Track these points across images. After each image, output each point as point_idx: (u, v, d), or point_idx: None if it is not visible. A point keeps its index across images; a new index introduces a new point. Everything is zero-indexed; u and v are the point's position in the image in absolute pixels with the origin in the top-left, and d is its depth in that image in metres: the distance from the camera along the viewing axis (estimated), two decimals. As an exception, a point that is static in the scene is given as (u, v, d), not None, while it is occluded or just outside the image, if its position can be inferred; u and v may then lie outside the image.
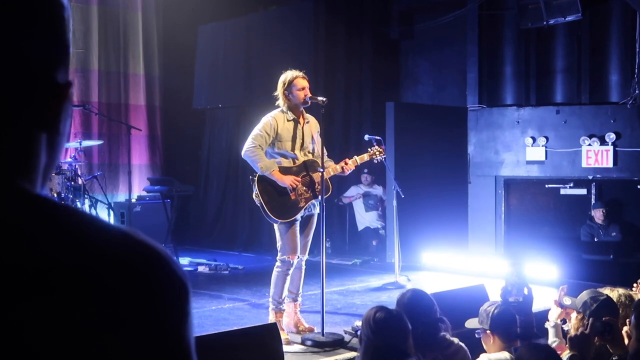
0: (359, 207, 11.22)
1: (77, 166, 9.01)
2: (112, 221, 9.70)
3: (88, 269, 0.79)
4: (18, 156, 0.86)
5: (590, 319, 3.67)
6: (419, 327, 3.72)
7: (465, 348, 3.94)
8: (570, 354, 3.52)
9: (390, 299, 7.14)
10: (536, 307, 6.05)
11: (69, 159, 8.93)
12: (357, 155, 6.10)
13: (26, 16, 0.85)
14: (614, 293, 4.27)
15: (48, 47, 0.88)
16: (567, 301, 4.21)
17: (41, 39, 0.87)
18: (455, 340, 3.94)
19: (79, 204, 8.76)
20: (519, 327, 3.58)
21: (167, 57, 11.97)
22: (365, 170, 10.84)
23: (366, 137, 7.60)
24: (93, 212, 9.12)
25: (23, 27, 0.85)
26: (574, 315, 4.15)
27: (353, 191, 11.21)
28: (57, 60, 0.90)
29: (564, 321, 4.33)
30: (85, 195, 8.98)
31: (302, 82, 5.67)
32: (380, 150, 6.33)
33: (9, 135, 0.85)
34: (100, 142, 10.20)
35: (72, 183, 8.71)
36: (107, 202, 9.53)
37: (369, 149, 6.28)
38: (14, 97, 0.85)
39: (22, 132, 0.86)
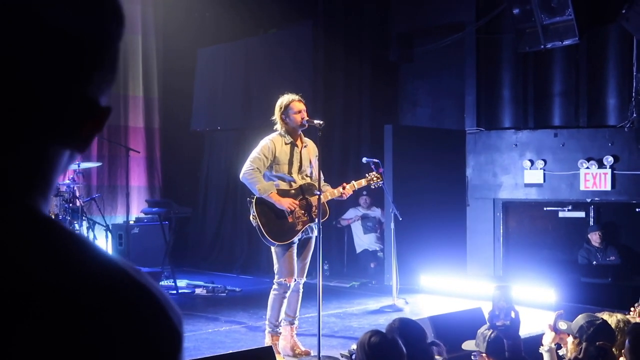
0: (357, 229, 11.22)
1: (75, 188, 9.02)
2: (110, 243, 9.70)
3: (84, 299, 0.77)
4: (37, 171, 0.84)
5: (584, 344, 3.66)
6: (413, 353, 3.71)
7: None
8: (565, 379, 3.50)
9: (387, 322, 7.11)
10: (533, 330, 6.04)
11: (67, 181, 8.95)
12: (355, 180, 6.12)
13: (86, 37, 0.84)
14: (612, 318, 4.26)
15: (102, 70, 0.87)
16: (563, 326, 4.19)
17: (96, 60, 0.86)
18: (449, 365, 3.92)
19: (76, 226, 8.76)
20: (507, 351, 3.57)
21: (167, 80, 12.03)
22: (365, 193, 10.85)
23: (364, 159, 7.63)
24: (91, 234, 9.12)
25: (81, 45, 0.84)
26: (569, 340, 4.13)
27: (351, 213, 11.21)
28: (104, 82, 0.88)
29: (558, 346, 4.32)
30: (83, 217, 8.98)
31: (299, 106, 5.71)
32: (378, 175, 6.33)
33: (34, 149, 0.83)
34: (99, 164, 10.22)
35: (70, 205, 8.72)
36: (105, 224, 9.53)
37: (367, 174, 6.29)
38: (49, 111, 0.83)
39: (48, 147, 0.84)
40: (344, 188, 5.93)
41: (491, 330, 4.04)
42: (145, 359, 0.79)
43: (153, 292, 0.82)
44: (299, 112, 5.69)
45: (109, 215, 10.76)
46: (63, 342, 0.74)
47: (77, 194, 9.11)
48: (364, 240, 11.17)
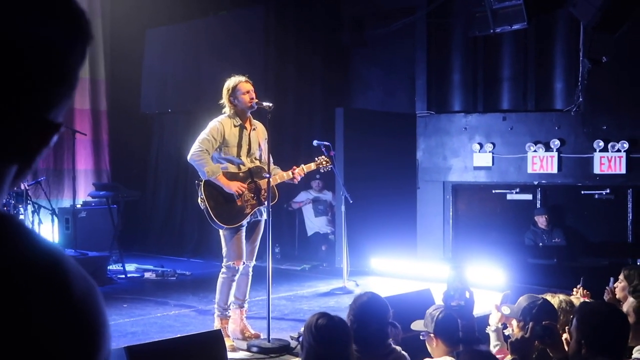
0: (308, 212, 11.22)
1: (20, 171, 8.80)
2: (56, 227, 9.51)
3: (15, 283, 0.77)
4: None
5: (530, 323, 3.71)
6: (367, 332, 3.72)
7: (407, 357, 3.94)
8: (511, 358, 3.55)
9: (338, 305, 7.14)
10: (481, 311, 6.12)
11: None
12: (305, 164, 6.09)
13: (37, 51, 0.81)
14: (555, 299, 4.34)
15: (52, 85, 0.84)
16: (506, 311, 4.25)
17: (44, 76, 0.83)
18: (398, 348, 3.94)
19: (21, 210, 8.56)
20: (461, 331, 3.60)
21: (114, 62, 11.80)
22: (318, 177, 10.85)
23: (315, 142, 7.61)
24: (36, 218, 8.92)
25: (26, 62, 0.81)
26: (514, 322, 4.19)
27: (303, 196, 11.20)
28: (56, 98, 0.86)
29: (504, 325, 4.38)
30: (28, 201, 8.78)
31: (246, 86, 5.65)
32: (327, 160, 6.30)
33: None
34: (44, 146, 9.98)
35: (15, 188, 8.50)
36: (50, 208, 9.33)
37: (316, 158, 6.27)
38: None
39: None
40: (293, 172, 5.90)
41: (439, 311, 4.07)
42: (64, 338, 0.79)
43: (80, 280, 0.83)
44: (247, 92, 5.63)
45: (55, 198, 10.54)
46: None
47: (22, 177, 8.89)
48: (315, 223, 11.18)
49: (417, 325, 4.24)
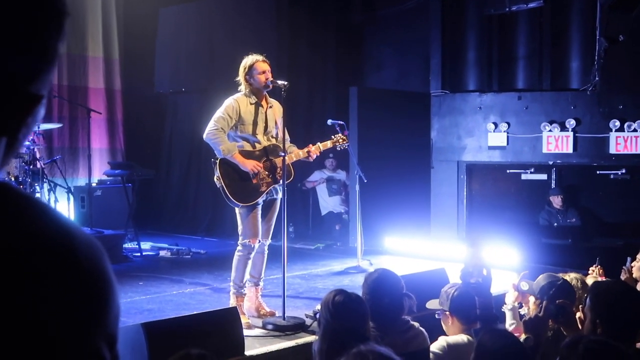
0: (322, 191, 11.23)
1: (35, 150, 8.84)
2: (72, 205, 9.58)
3: (25, 254, 0.81)
4: None
5: (544, 302, 3.71)
6: (382, 307, 3.74)
7: (425, 333, 3.97)
8: (525, 337, 3.56)
9: (352, 283, 7.17)
10: (496, 290, 6.13)
11: (27, 142, 8.77)
12: (320, 142, 6.08)
13: (8, 24, 0.83)
14: (567, 277, 4.34)
15: (27, 57, 0.87)
16: (525, 286, 4.25)
17: (22, 49, 0.86)
18: (416, 324, 3.96)
19: (37, 188, 8.61)
20: (478, 308, 3.61)
21: (128, 41, 11.80)
22: (331, 155, 10.85)
23: (329, 122, 7.61)
24: (52, 196, 8.98)
25: (1, 36, 0.83)
26: (531, 299, 4.20)
27: (316, 176, 11.21)
28: (34, 71, 0.89)
29: (520, 304, 4.39)
30: (44, 179, 8.82)
31: (263, 66, 5.65)
32: (343, 137, 6.31)
33: None
34: (59, 125, 10.03)
35: (31, 167, 8.55)
36: (66, 186, 9.38)
37: (332, 136, 6.27)
38: None
39: None
40: (309, 150, 5.91)
41: (454, 289, 4.09)
42: (77, 313, 0.83)
43: (93, 246, 0.89)
44: (263, 72, 5.63)
45: (70, 177, 10.59)
46: (11, 295, 0.79)
47: (38, 156, 8.94)
48: (329, 203, 11.19)
49: (432, 304, 4.26)
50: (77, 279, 0.84)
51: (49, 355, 0.80)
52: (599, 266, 5.06)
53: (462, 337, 3.95)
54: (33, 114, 0.90)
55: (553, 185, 9.89)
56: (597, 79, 9.35)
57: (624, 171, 9.46)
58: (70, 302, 0.82)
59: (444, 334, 4.12)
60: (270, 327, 5.48)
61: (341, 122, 7.26)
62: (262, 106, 5.75)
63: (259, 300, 5.90)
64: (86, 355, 0.83)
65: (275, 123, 5.84)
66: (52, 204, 8.93)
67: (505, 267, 7.46)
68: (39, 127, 8.91)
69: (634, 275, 5.06)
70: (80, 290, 0.84)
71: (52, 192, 8.97)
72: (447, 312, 4.07)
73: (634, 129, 9.17)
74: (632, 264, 5.17)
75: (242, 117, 5.64)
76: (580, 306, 3.62)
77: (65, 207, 9.34)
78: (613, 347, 2.60)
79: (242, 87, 5.72)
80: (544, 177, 10.01)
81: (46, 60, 0.90)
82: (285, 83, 5.63)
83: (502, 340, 3.03)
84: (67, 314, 0.82)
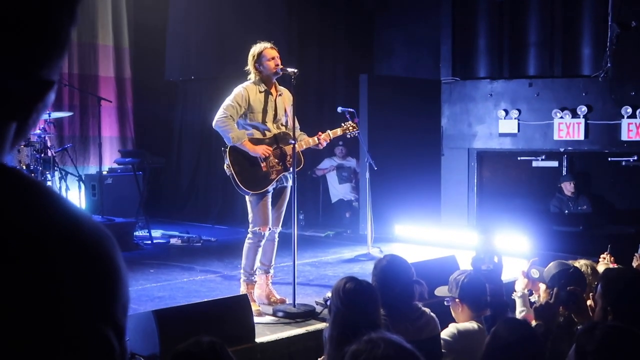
0: (332, 179, 11.23)
1: (46, 138, 8.87)
2: (83, 194, 9.62)
3: (34, 239, 0.82)
4: None
5: (555, 289, 3.70)
6: (393, 294, 3.74)
7: (436, 320, 3.96)
8: (535, 324, 3.55)
9: (362, 271, 7.17)
10: (506, 278, 6.12)
11: (38, 131, 8.80)
12: (331, 130, 6.07)
13: (19, 8, 0.84)
14: (577, 264, 4.33)
15: (39, 42, 0.87)
16: (535, 274, 4.24)
17: (33, 34, 0.86)
18: (427, 310, 3.96)
19: (49, 177, 8.65)
20: (489, 295, 3.60)
21: (138, 29, 11.79)
22: (341, 143, 10.84)
23: (339, 109, 7.58)
24: (63, 184, 9.01)
25: (12, 20, 0.83)
26: (542, 286, 4.19)
27: (327, 163, 11.20)
28: (45, 56, 0.89)
29: (530, 292, 4.38)
30: (55, 168, 8.85)
31: (272, 52, 5.64)
32: (354, 125, 6.29)
33: None
34: (70, 113, 10.05)
35: (42, 155, 8.58)
36: (77, 175, 9.41)
37: (342, 124, 6.25)
38: None
39: None
40: (319, 137, 5.90)
41: (464, 275, 4.08)
42: (88, 298, 0.84)
43: (105, 236, 0.89)
44: (272, 59, 5.62)
45: (81, 165, 10.62)
46: (24, 282, 0.79)
47: (49, 144, 8.97)
48: (339, 190, 11.19)
49: (441, 292, 4.26)
50: (84, 266, 0.84)
51: (55, 341, 0.80)
52: (609, 254, 5.04)
53: (473, 324, 3.95)
54: (44, 100, 0.90)
55: (564, 173, 9.85)
56: (608, 65, 9.28)
57: (635, 158, 9.41)
58: (77, 289, 0.82)
59: (453, 321, 4.11)
60: (280, 314, 5.49)
61: (351, 110, 7.23)
62: (271, 94, 5.74)
63: (270, 288, 5.92)
64: (94, 342, 0.83)
65: (285, 111, 5.83)
66: (63, 192, 8.97)
67: (516, 254, 7.44)
68: (50, 116, 8.93)
69: (644, 263, 5.04)
70: (86, 277, 0.84)
71: (63, 180, 9.01)
72: (457, 299, 4.07)
73: (646, 115, 9.11)
74: (640, 252, 5.14)
75: (251, 105, 5.64)
76: (591, 294, 3.61)
77: (76, 195, 9.38)
78: (630, 332, 2.59)
79: (252, 76, 5.71)
80: (555, 164, 9.97)
81: (58, 45, 0.90)
82: (295, 70, 5.62)
83: (519, 331, 3.02)
84: (74, 299, 0.82)
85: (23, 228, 0.81)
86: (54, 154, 8.99)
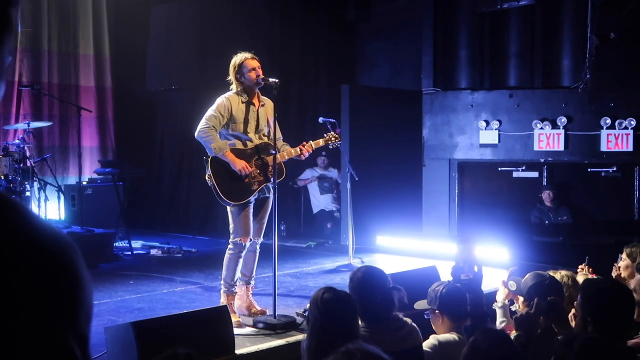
0: (314, 189, 11.22)
1: (25, 148, 8.80)
2: (62, 204, 9.53)
3: (3, 249, 0.82)
4: None
5: (535, 299, 3.71)
6: (373, 304, 3.72)
7: (418, 330, 3.95)
8: (516, 334, 3.55)
9: (343, 281, 7.13)
10: (486, 288, 6.13)
11: (17, 141, 8.73)
12: (313, 140, 6.06)
13: None
14: (557, 274, 4.34)
15: None
16: (513, 286, 4.24)
17: None
18: (409, 320, 3.94)
19: (27, 187, 8.57)
20: (469, 305, 3.60)
21: (119, 39, 11.75)
22: (323, 153, 10.84)
23: (320, 119, 7.59)
24: (42, 195, 8.93)
25: None
26: (521, 298, 4.19)
27: (308, 174, 11.20)
28: None
29: (511, 302, 4.38)
30: (35, 178, 8.78)
31: (253, 63, 5.62)
32: (336, 136, 6.28)
33: None
34: (49, 123, 9.98)
35: (21, 165, 8.50)
36: (56, 185, 9.33)
37: (325, 134, 6.24)
38: None
39: None
40: (301, 148, 5.89)
41: (442, 286, 4.08)
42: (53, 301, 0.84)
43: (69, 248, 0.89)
44: (253, 69, 5.61)
45: (60, 175, 10.54)
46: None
47: (28, 154, 8.89)
48: (320, 201, 11.18)
49: (420, 305, 4.24)
50: (46, 275, 0.83)
51: (16, 351, 0.79)
52: (587, 265, 5.07)
53: (453, 335, 3.94)
54: None
55: (544, 183, 9.90)
56: (588, 76, 9.37)
57: (615, 169, 9.49)
58: (38, 298, 0.82)
59: (434, 333, 4.10)
60: (261, 325, 5.46)
61: (333, 120, 7.24)
62: (253, 104, 5.72)
63: (250, 299, 5.88)
64: (56, 352, 0.82)
65: (267, 121, 5.81)
66: (43, 203, 8.89)
67: (497, 264, 7.46)
68: (29, 125, 8.87)
69: (622, 275, 5.06)
70: (48, 286, 0.83)
71: (42, 190, 8.93)
72: (437, 311, 4.06)
73: (625, 126, 9.20)
74: (619, 263, 5.16)
75: (233, 115, 5.62)
76: (575, 302, 3.62)
77: (55, 205, 9.30)
78: (608, 344, 2.59)
79: (234, 86, 5.70)
80: (535, 174, 10.03)
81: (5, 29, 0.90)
82: (277, 80, 5.62)
83: (497, 341, 3.01)
84: (35, 309, 0.81)
85: None
86: (33, 164, 8.91)
